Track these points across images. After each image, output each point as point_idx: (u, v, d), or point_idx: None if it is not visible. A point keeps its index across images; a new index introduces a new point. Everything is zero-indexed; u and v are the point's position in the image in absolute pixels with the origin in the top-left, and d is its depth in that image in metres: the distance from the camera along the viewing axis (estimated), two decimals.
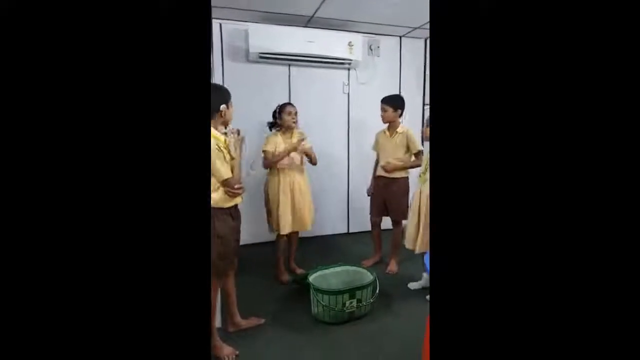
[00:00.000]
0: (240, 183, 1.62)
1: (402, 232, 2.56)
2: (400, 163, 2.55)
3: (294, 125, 2.40)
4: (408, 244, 2.33)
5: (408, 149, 2.55)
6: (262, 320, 2.00)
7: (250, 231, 2.62)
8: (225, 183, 1.56)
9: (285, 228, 2.42)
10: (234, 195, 1.61)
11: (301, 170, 2.50)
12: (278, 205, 2.41)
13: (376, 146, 2.72)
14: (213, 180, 1.56)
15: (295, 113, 2.40)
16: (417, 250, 2.25)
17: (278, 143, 2.39)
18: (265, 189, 2.50)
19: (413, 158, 2.56)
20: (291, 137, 2.44)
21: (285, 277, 2.52)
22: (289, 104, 2.45)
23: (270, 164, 2.39)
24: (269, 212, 2.49)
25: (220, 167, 1.53)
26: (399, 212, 2.62)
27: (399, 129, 2.56)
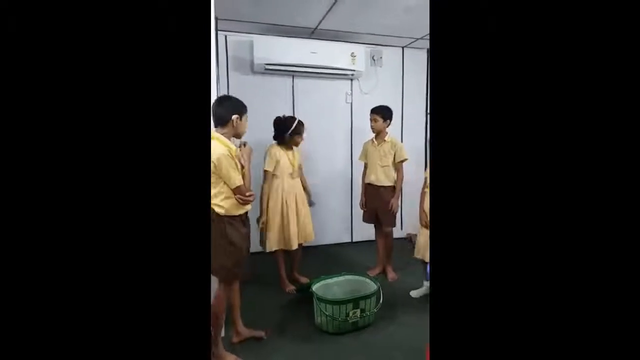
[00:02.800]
0: (251, 190, 1.67)
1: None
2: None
3: (300, 145, 2.46)
4: (418, 253, 2.32)
5: (394, 157, 2.61)
6: (264, 335, 1.95)
7: (252, 240, 2.61)
8: (237, 190, 1.60)
9: (294, 243, 2.42)
10: (245, 203, 1.65)
11: (298, 180, 2.52)
12: (285, 219, 2.40)
13: (364, 156, 2.77)
14: (225, 188, 1.60)
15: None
16: (426, 259, 2.25)
17: (280, 155, 2.40)
18: (264, 202, 2.44)
19: (395, 168, 2.65)
20: (292, 151, 2.46)
21: (290, 287, 2.51)
22: (302, 124, 2.45)
23: (268, 190, 2.42)
24: (266, 227, 2.43)
25: (232, 174, 1.57)
26: (389, 220, 2.66)
27: (387, 138, 2.63)
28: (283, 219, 2.41)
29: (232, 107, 1.63)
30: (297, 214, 2.45)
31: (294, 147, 2.49)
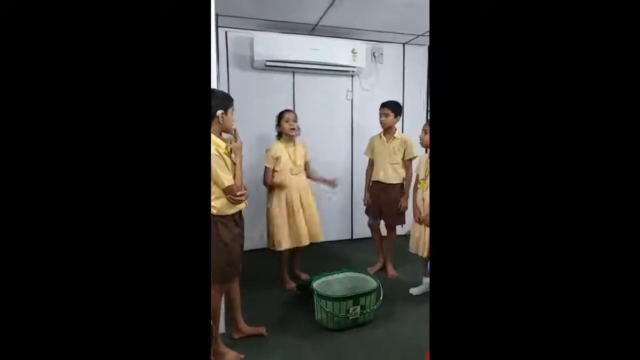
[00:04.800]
0: (243, 189, 1.62)
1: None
2: (406, 197, 2.58)
3: (292, 132, 2.38)
4: (412, 248, 2.33)
5: (404, 154, 2.57)
6: (264, 332, 1.96)
7: (253, 237, 2.62)
8: (227, 190, 1.56)
9: (305, 239, 2.42)
10: (236, 202, 1.61)
11: (302, 177, 2.48)
12: (289, 217, 2.40)
13: (370, 152, 2.72)
14: (216, 188, 1.56)
15: (294, 120, 2.39)
16: (425, 255, 2.26)
17: (279, 152, 2.39)
18: (268, 204, 2.46)
19: (404, 165, 2.61)
20: (294, 146, 2.44)
21: (291, 284, 2.51)
22: (288, 110, 2.45)
23: (270, 183, 2.40)
24: (270, 228, 2.44)
25: (221, 174, 1.53)
26: (394, 218, 2.63)
27: (396, 135, 2.59)
28: (290, 217, 2.40)
29: (216, 102, 1.56)
30: (303, 211, 2.42)
31: (297, 143, 2.46)
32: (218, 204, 1.57)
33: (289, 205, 2.40)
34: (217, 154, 1.53)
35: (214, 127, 1.58)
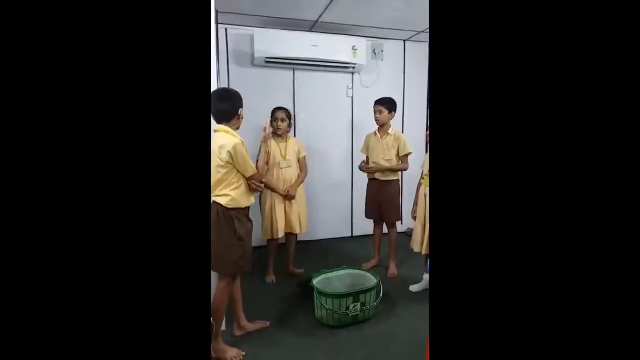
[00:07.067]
0: (263, 177, 1.76)
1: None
2: (387, 165, 2.57)
3: (278, 132, 2.43)
4: (415, 246, 2.33)
5: (398, 150, 2.59)
6: (268, 323, 2.01)
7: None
8: (253, 177, 1.68)
9: (279, 232, 2.47)
10: (255, 190, 1.72)
11: (290, 171, 2.51)
12: (272, 210, 2.46)
13: (366, 148, 2.74)
14: (236, 179, 1.64)
15: (282, 119, 2.41)
16: (424, 252, 2.26)
17: (271, 147, 2.42)
18: (262, 197, 2.52)
19: (399, 161, 2.61)
20: (286, 143, 2.48)
21: (271, 277, 2.55)
22: (278, 108, 2.47)
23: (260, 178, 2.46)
24: (263, 218, 2.51)
25: (249, 162, 1.65)
26: (393, 215, 2.66)
27: (390, 131, 2.61)
28: (272, 209, 2.46)
29: (238, 101, 1.69)
30: (284, 205, 2.48)
31: (290, 139, 2.50)
32: (234, 194, 1.64)
33: (272, 198, 2.46)
34: (242, 144, 1.63)
35: (238, 123, 1.71)
